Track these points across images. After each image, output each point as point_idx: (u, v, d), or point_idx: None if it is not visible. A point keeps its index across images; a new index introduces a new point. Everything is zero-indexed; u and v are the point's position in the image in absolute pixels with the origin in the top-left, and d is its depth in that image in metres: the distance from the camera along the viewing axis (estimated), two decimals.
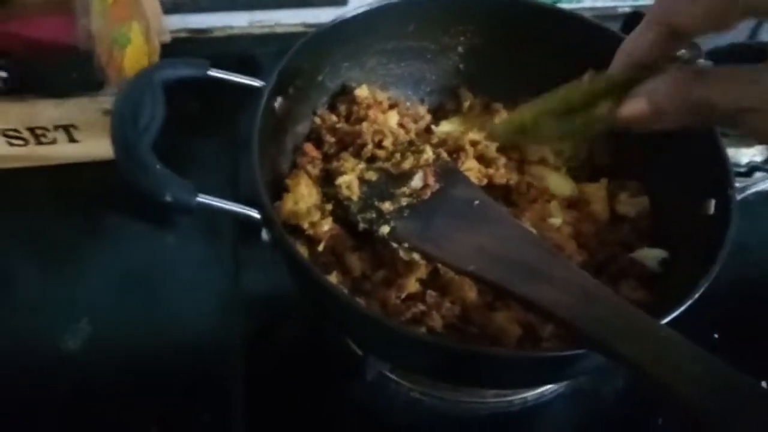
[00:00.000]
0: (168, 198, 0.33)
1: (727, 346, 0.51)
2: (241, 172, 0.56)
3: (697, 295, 0.34)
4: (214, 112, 0.62)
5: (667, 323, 0.33)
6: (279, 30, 0.78)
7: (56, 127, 0.59)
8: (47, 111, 0.57)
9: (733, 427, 0.27)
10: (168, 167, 0.37)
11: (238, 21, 0.77)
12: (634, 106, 0.29)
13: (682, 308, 0.33)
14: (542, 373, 0.36)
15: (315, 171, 0.47)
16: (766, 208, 0.60)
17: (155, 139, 0.35)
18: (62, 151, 0.61)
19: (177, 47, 0.75)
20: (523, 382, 0.41)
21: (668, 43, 0.29)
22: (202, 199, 0.34)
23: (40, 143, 0.61)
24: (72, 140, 0.61)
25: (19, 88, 0.56)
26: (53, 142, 0.61)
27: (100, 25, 0.56)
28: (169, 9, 0.73)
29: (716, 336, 0.52)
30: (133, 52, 0.64)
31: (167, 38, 0.75)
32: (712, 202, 0.40)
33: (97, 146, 0.61)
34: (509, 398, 0.47)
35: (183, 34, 0.77)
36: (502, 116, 0.53)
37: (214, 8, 0.75)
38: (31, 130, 0.59)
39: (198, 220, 0.58)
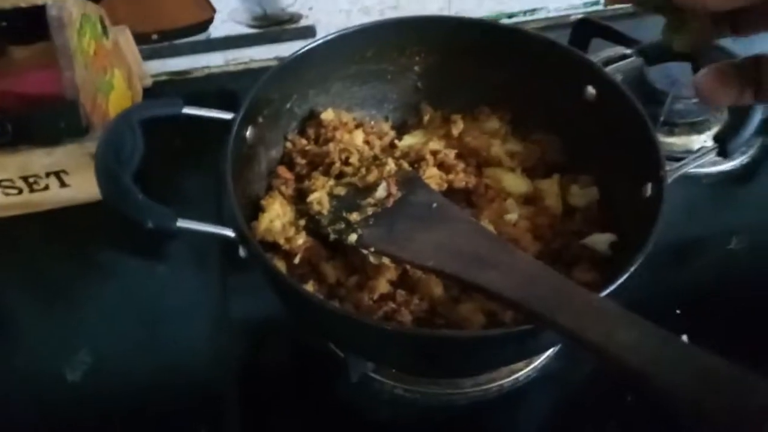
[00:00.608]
0: (150, 224, 0.37)
1: (689, 321, 0.54)
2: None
3: (632, 269, 0.38)
4: (196, 145, 0.66)
5: (614, 292, 0.37)
6: (254, 65, 0.83)
7: (48, 174, 0.63)
8: (40, 159, 0.61)
9: (669, 385, 0.30)
10: (154, 197, 0.41)
11: (215, 60, 0.82)
12: None
13: (618, 282, 0.37)
14: (503, 350, 0.39)
15: (289, 191, 0.51)
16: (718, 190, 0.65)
17: (136, 171, 0.39)
18: (54, 196, 0.65)
19: (158, 90, 0.80)
20: (488, 362, 0.44)
21: None
22: (182, 223, 0.38)
23: (33, 191, 0.64)
24: (63, 185, 0.65)
25: (13, 140, 0.60)
26: (46, 188, 0.64)
27: (83, 75, 0.61)
28: (149, 55, 0.78)
29: (678, 312, 0.55)
30: (117, 98, 0.69)
31: (149, 82, 0.79)
32: (649, 185, 0.44)
33: (86, 189, 0.65)
34: (485, 386, 0.51)
35: (163, 77, 0.81)
36: (459, 127, 0.57)
37: (191, 51, 0.80)
38: (25, 178, 0.63)
39: (187, 251, 0.62)
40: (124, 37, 0.74)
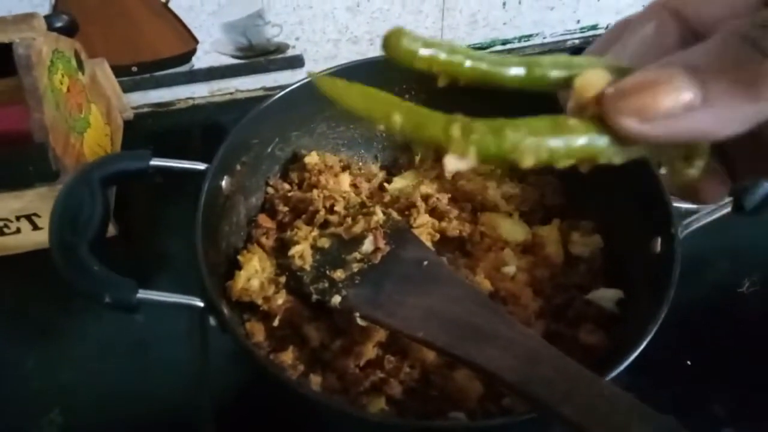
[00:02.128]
0: (107, 299, 0.33)
1: (699, 371, 0.51)
2: None
3: (645, 343, 0.34)
4: (171, 194, 0.62)
5: (628, 367, 0.33)
6: (240, 96, 0.80)
7: (18, 218, 0.60)
8: (8, 203, 0.58)
9: None
10: (119, 261, 0.37)
11: (200, 91, 0.79)
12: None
13: (632, 358, 0.33)
14: None
15: (269, 242, 0.48)
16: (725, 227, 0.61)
17: (95, 237, 0.36)
18: (26, 239, 0.62)
19: (140, 123, 0.76)
20: None
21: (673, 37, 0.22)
22: (143, 295, 0.35)
23: (3, 234, 0.61)
24: (36, 228, 0.61)
25: None
26: (17, 231, 0.61)
27: (54, 116, 0.57)
28: (130, 87, 0.75)
29: (689, 363, 0.52)
30: (94, 135, 0.66)
31: (130, 115, 0.76)
32: (659, 240, 0.41)
33: None
34: None
35: (146, 110, 0.78)
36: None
37: (174, 83, 0.76)
38: None
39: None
40: (102, 70, 0.71)
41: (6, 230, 0.61)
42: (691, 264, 0.57)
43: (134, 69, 0.74)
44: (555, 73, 0.22)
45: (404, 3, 0.75)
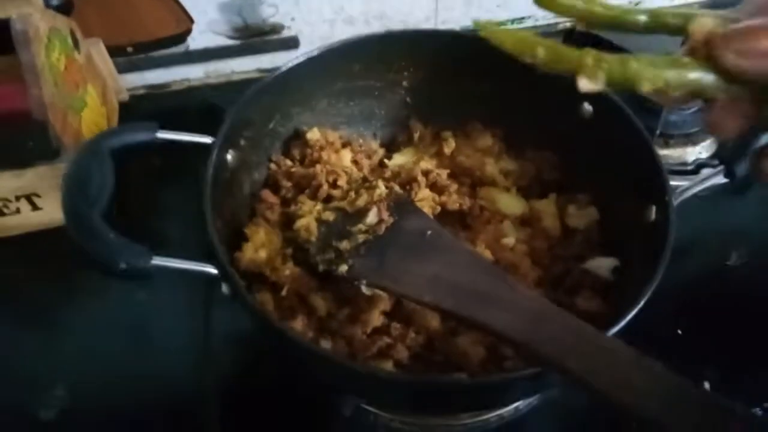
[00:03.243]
0: (122, 265, 0.34)
1: (690, 340, 0.53)
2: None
3: (641, 303, 0.36)
4: (175, 168, 0.63)
5: (624, 328, 0.35)
6: (235, 78, 0.80)
7: (18, 197, 0.60)
8: (8, 182, 0.58)
9: None
10: (128, 230, 0.38)
11: (195, 73, 0.79)
12: None
13: (628, 318, 0.35)
14: (504, 393, 0.37)
15: (274, 217, 0.49)
16: (715, 202, 0.63)
17: (106, 207, 0.36)
18: (26, 220, 0.62)
19: (136, 104, 0.76)
20: (489, 403, 0.42)
21: None
22: (158, 261, 0.35)
23: (2, 215, 0.61)
24: (35, 208, 0.62)
25: None
26: (17, 212, 0.61)
27: (52, 93, 0.57)
28: (125, 68, 0.75)
29: (679, 332, 0.53)
30: (90, 115, 0.66)
31: (125, 96, 0.76)
32: (653, 209, 0.42)
33: (59, 213, 0.62)
34: (485, 417, 0.48)
35: (141, 91, 0.78)
36: (450, 145, 0.55)
37: (170, 63, 0.76)
38: None
39: (168, 275, 0.59)
40: (97, 50, 0.71)
41: (5, 210, 0.61)
42: (681, 239, 0.59)
43: (129, 49, 0.74)
44: (674, 20, 0.28)
45: None
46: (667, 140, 0.66)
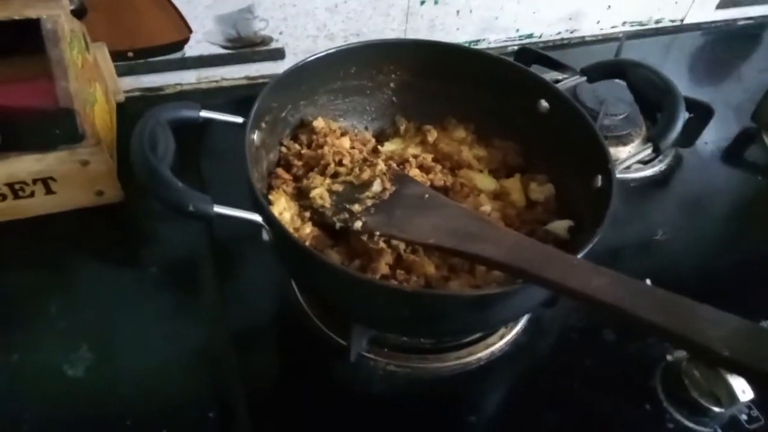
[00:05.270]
0: (191, 209, 0.41)
1: None
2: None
3: (596, 239, 0.46)
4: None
5: None
6: (225, 84, 0.88)
7: (35, 181, 0.65)
8: (29, 165, 0.63)
9: (638, 313, 0.37)
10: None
11: (188, 78, 0.86)
12: None
13: (588, 248, 0.45)
14: (491, 310, 0.46)
15: (289, 190, 0.57)
16: (645, 191, 0.76)
17: (170, 166, 0.44)
18: (39, 203, 0.66)
19: (131, 105, 0.82)
20: (478, 322, 0.51)
21: None
22: (218, 209, 0.43)
23: (18, 197, 0.65)
24: (49, 192, 0.66)
25: (2, 147, 0.62)
26: (31, 195, 0.66)
27: (75, 86, 0.63)
28: (123, 71, 0.81)
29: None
30: (99, 111, 0.72)
31: (121, 98, 0.82)
32: (599, 177, 0.54)
33: (72, 196, 0.67)
34: (466, 360, 0.58)
35: (136, 93, 0.84)
36: (433, 135, 0.65)
37: (165, 69, 0.83)
38: (10, 185, 0.64)
39: (176, 253, 0.65)
40: (102, 54, 0.77)
41: (21, 193, 0.65)
42: (618, 219, 0.72)
43: (130, 54, 0.81)
44: None
45: (375, 6, 0.86)
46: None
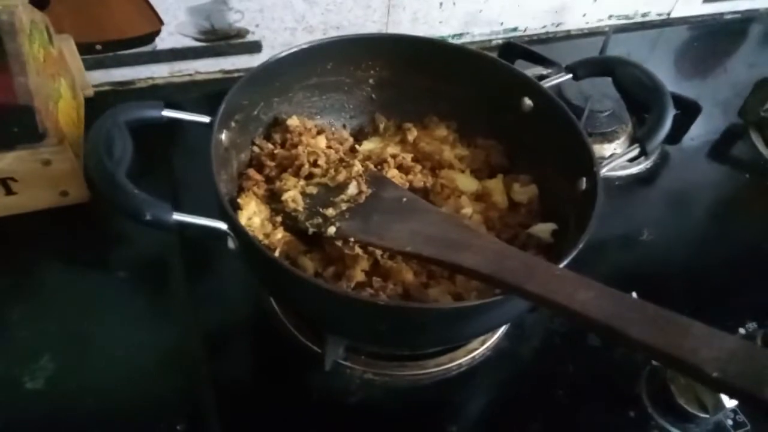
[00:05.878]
0: (148, 217, 0.38)
1: None
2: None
3: (580, 246, 0.44)
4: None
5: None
6: (198, 78, 0.85)
7: None
8: None
9: (625, 329, 0.35)
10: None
11: (160, 72, 0.82)
12: None
13: (571, 257, 0.43)
14: (471, 321, 0.44)
15: (260, 192, 0.54)
16: (630, 190, 0.75)
17: (127, 170, 0.41)
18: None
19: (101, 100, 0.79)
20: (457, 334, 0.49)
21: None
22: (178, 216, 0.40)
23: None
24: (10, 192, 0.63)
25: None
26: None
27: (36, 81, 0.60)
28: (92, 65, 0.78)
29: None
30: (65, 106, 0.68)
31: (90, 92, 0.79)
32: (584, 180, 0.52)
33: (35, 197, 0.64)
34: (447, 366, 0.56)
35: (106, 87, 0.81)
36: (413, 133, 0.63)
37: (136, 62, 0.80)
38: None
39: (145, 256, 0.63)
40: (68, 47, 0.73)
41: None
42: (604, 219, 0.70)
43: (98, 47, 0.77)
44: None
45: None
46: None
